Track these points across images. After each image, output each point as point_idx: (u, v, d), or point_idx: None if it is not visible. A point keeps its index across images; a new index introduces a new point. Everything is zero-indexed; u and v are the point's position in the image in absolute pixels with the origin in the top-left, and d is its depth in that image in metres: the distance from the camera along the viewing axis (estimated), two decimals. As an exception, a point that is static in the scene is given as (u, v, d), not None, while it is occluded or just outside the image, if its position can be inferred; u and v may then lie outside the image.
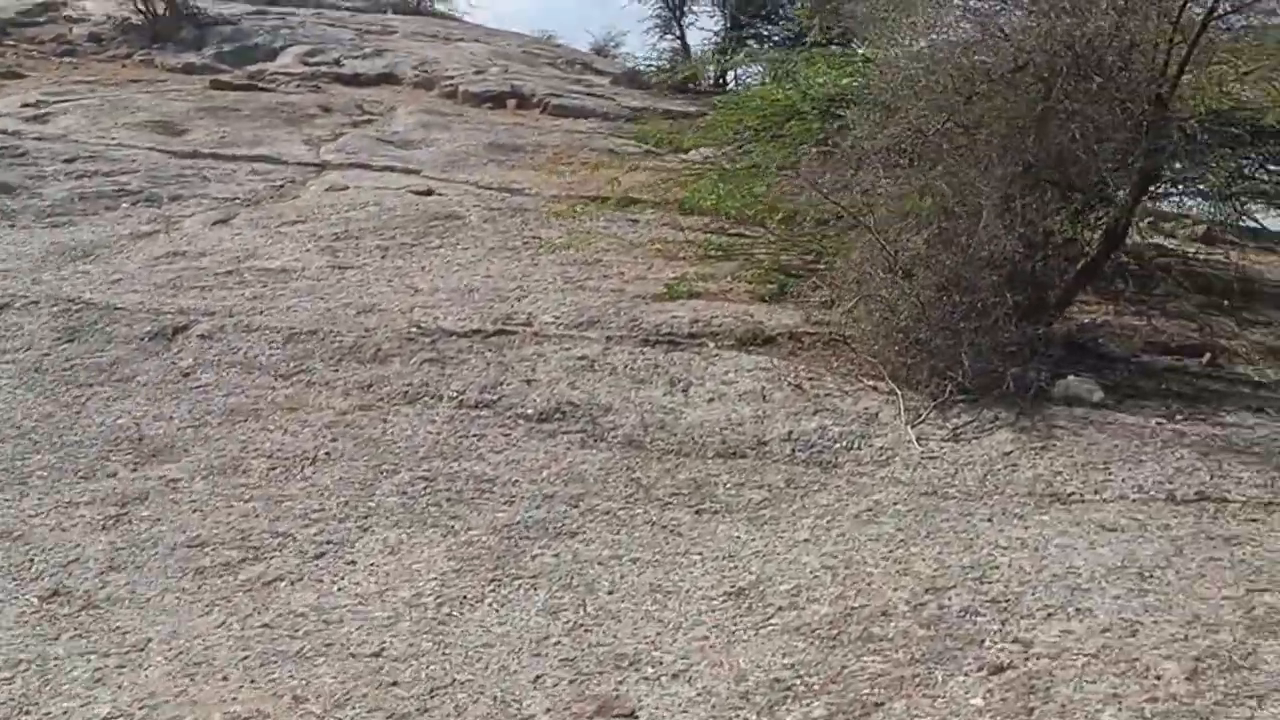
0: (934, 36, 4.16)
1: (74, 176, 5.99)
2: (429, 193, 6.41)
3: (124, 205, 5.58)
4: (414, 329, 4.06)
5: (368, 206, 5.84)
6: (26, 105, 8.28)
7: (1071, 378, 3.67)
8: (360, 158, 7.58)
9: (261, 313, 4.18)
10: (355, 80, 13.01)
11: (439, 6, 22.43)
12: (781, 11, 15.64)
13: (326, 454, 3.24)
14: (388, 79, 13.30)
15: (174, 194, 5.87)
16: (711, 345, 4.04)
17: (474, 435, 3.40)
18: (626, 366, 3.85)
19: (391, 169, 7.24)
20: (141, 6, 14.84)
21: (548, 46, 19.64)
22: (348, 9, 19.69)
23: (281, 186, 6.38)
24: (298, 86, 11.80)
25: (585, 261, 4.99)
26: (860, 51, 6.40)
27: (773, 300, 4.60)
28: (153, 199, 5.74)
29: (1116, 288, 4.46)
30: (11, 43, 14.05)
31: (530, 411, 3.55)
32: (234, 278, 4.46)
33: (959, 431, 3.35)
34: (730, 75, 15.79)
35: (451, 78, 13.01)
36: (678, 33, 15.70)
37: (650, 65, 15.92)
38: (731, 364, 3.87)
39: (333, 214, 5.64)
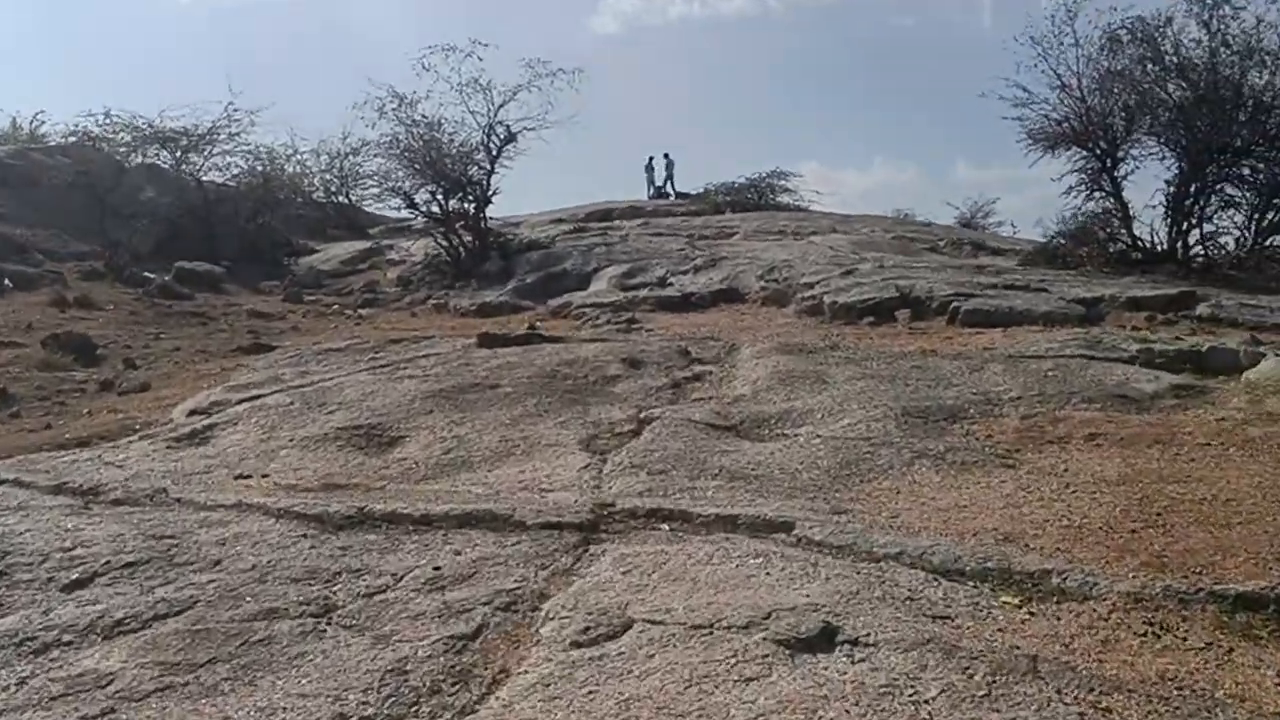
0: None
1: None
2: (828, 641, 2.39)
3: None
4: None
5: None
6: (196, 413, 5.30)
7: None
8: (672, 488, 3.73)
9: None
10: (685, 304, 9.43)
11: (783, 198, 19.47)
12: (1261, 144, 10.55)
13: None
14: (727, 297, 9.61)
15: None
16: None
17: None
18: None
19: (734, 522, 3.29)
20: (444, 243, 12.41)
21: (918, 228, 15.62)
22: (681, 214, 16.82)
23: (473, 641, 2.58)
24: (608, 322, 8.39)
25: None
26: None
27: None
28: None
29: None
30: (315, 296, 11.94)
31: None
32: None
33: None
34: (1194, 238, 10.92)
35: (811, 286, 9.10)
36: (1108, 187, 11.10)
37: (1061, 234, 11.37)
38: None
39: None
